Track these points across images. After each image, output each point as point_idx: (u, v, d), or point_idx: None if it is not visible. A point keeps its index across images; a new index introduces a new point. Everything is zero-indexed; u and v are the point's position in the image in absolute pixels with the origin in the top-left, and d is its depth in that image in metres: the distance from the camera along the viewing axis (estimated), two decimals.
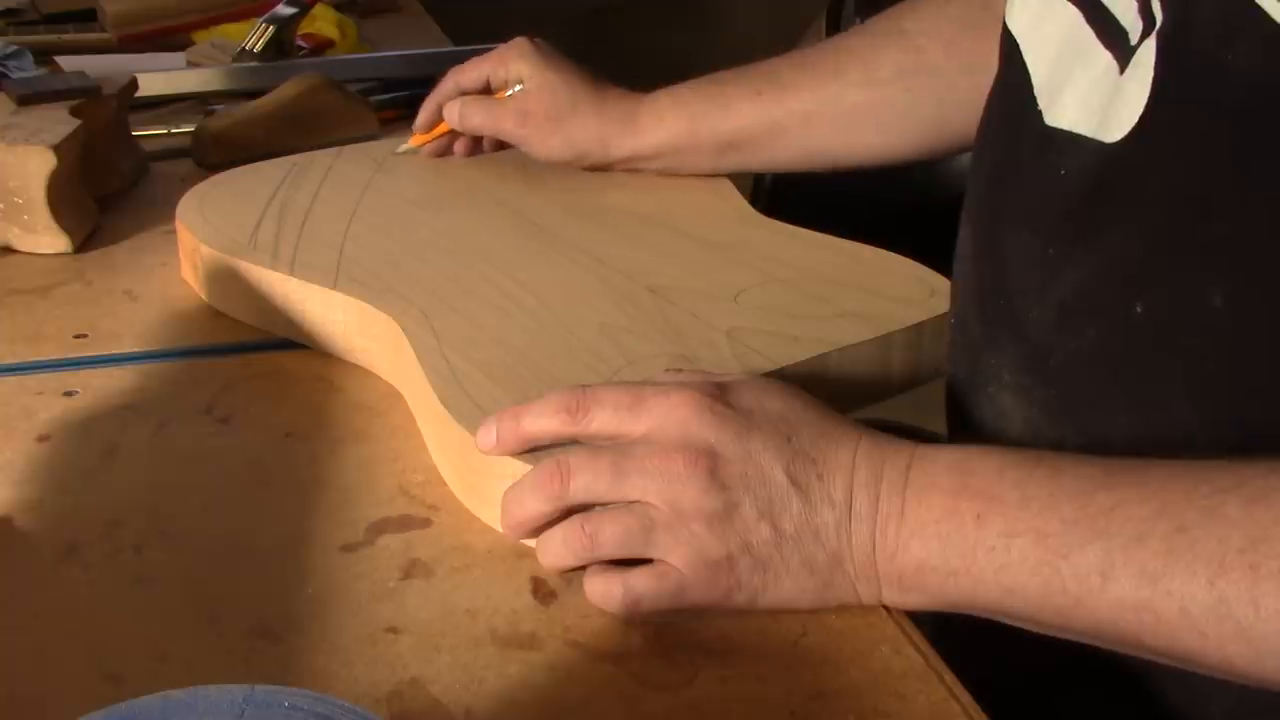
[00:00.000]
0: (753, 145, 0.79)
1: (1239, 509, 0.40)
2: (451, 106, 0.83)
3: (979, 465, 0.46)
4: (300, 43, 1.21)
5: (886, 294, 0.66)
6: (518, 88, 0.81)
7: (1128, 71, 0.49)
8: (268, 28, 1.16)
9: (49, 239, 0.78)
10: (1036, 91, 0.54)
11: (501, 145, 0.86)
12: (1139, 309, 0.48)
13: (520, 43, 0.82)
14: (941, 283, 0.67)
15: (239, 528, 0.53)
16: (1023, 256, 0.54)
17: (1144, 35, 0.48)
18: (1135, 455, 0.49)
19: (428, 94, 1.12)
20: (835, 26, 2.22)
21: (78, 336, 0.69)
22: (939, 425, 0.71)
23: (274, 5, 1.19)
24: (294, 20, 1.18)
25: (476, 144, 0.86)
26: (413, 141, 0.86)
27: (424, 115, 0.85)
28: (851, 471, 0.47)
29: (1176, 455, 0.48)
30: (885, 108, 0.76)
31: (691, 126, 0.79)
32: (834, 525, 0.47)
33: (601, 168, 0.82)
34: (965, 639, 0.50)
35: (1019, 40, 0.56)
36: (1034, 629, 0.45)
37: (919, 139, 0.77)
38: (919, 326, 0.63)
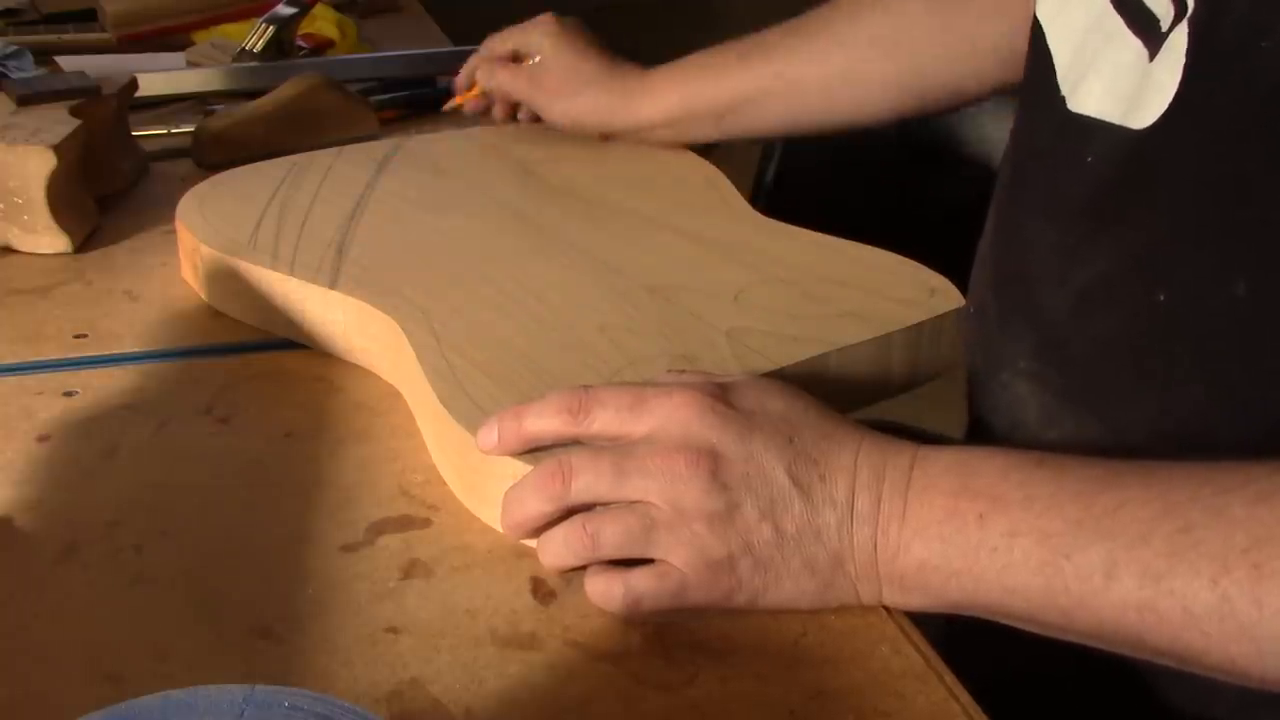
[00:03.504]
0: (744, 111, 0.84)
1: (1243, 509, 0.40)
2: (483, 65, 0.93)
3: (981, 466, 0.46)
4: (300, 43, 1.21)
5: (886, 294, 0.66)
6: (536, 59, 0.90)
7: (1158, 58, 0.49)
8: (268, 28, 1.16)
9: (49, 239, 0.78)
10: (1059, 77, 0.54)
11: (534, 119, 0.94)
12: (1162, 296, 0.49)
13: (545, 19, 0.90)
14: (941, 283, 0.67)
15: (239, 528, 0.53)
16: (1042, 243, 0.55)
17: (1175, 22, 0.48)
18: (1150, 442, 0.49)
19: (427, 94, 1.13)
20: None
21: (78, 336, 0.69)
22: (939, 425, 0.71)
23: (274, 5, 1.19)
24: (294, 20, 1.18)
25: (511, 112, 0.95)
26: (456, 100, 0.98)
27: (463, 75, 0.96)
28: (853, 472, 0.47)
29: (1191, 443, 0.48)
30: (862, 69, 0.80)
31: (686, 98, 0.84)
32: (835, 526, 0.47)
33: (612, 136, 0.89)
34: (969, 639, 0.50)
35: (1044, 25, 0.56)
36: (1035, 630, 0.45)
37: (899, 98, 0.80)
38: (919, 326, 0.63)
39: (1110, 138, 0.51)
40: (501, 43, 0.93)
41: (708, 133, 0.86)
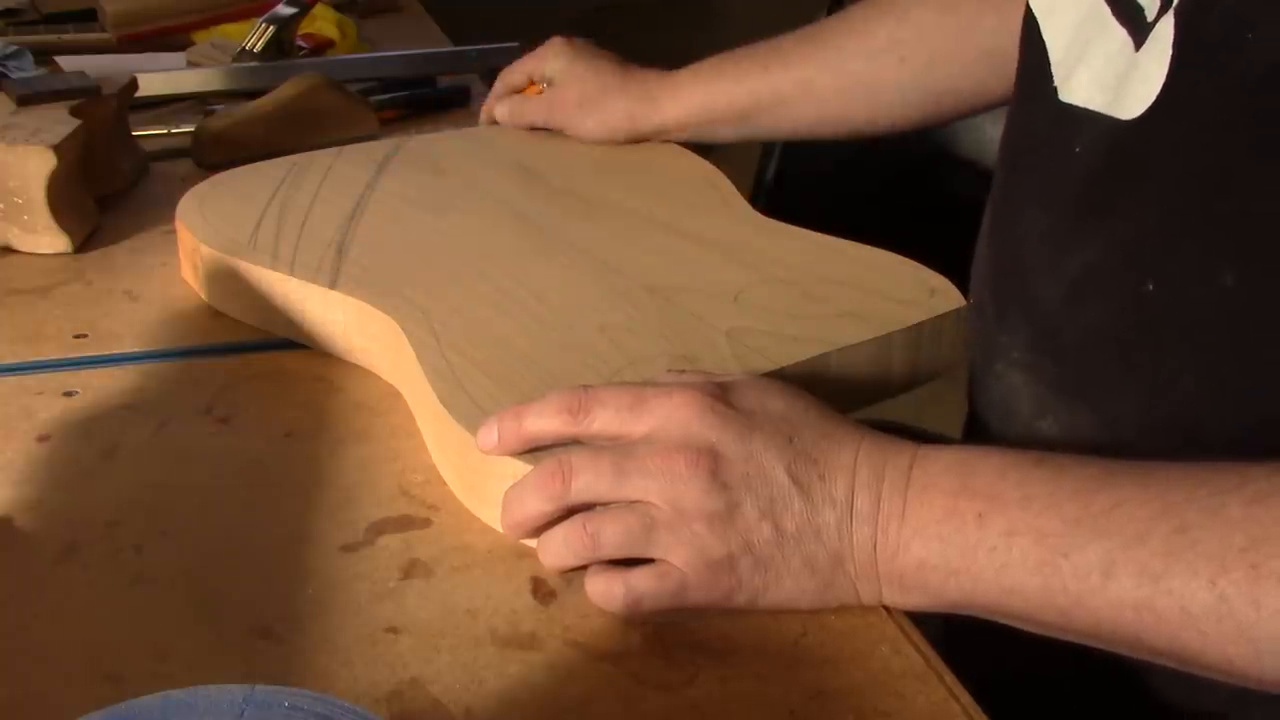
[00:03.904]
0: (764, 114, 0.85)
1: (1240, 509, 0.40)
2: (501, 106, 0.93)
3: (980, 465, 0.46)
4: (300, 43, 1.21)
5: (886, 294, 0.66)
6: (545, 85, 0.92)
7: (1144, 48, 0.49)
8: (268, 28, 1.16)
9: (49, 239, 0.78)
10: (1054, 68, 0.54)
11: None
12: (1150, 287, 0.49)
13: (554, 42, 0.92)
14: (941, 283, 0.67)
15: (239, 528, 0.53)
16: (1035, 234, 0.55)
17: (1161, 12, 0.48)
18: (1141, 433, 0.49)
19: (427, 94, 1.13)
20: None
21: (78, 336, 0.69)
22: (939, 425, 0.71)
23: (274, 5, 1.19)
24: (294, 20, 1.18)
25: None
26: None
27: (484, 117, 0.96)
28: (853, 471, 0.47)
29: (1181, 434, 0.48)
30: (879, 76, 0.81)
31: (707, 100, 0.86)
32: (835, 525, 0.47)
33: (637, 140, 0.89)
34: (968, 639, 0.50)
35: (1039, 19, 0.56)
36: (1034, 629, 0.45)
37: (917, 105, 0.81)
38: (919, 326, 0.63)
39: (1097, 127, 0.51)
40: (515, 74, 0.94)
41: (726, 134, 0.88)
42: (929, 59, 0.79)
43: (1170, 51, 0.47)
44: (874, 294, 0.66)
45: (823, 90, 0.83)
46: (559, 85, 0.90)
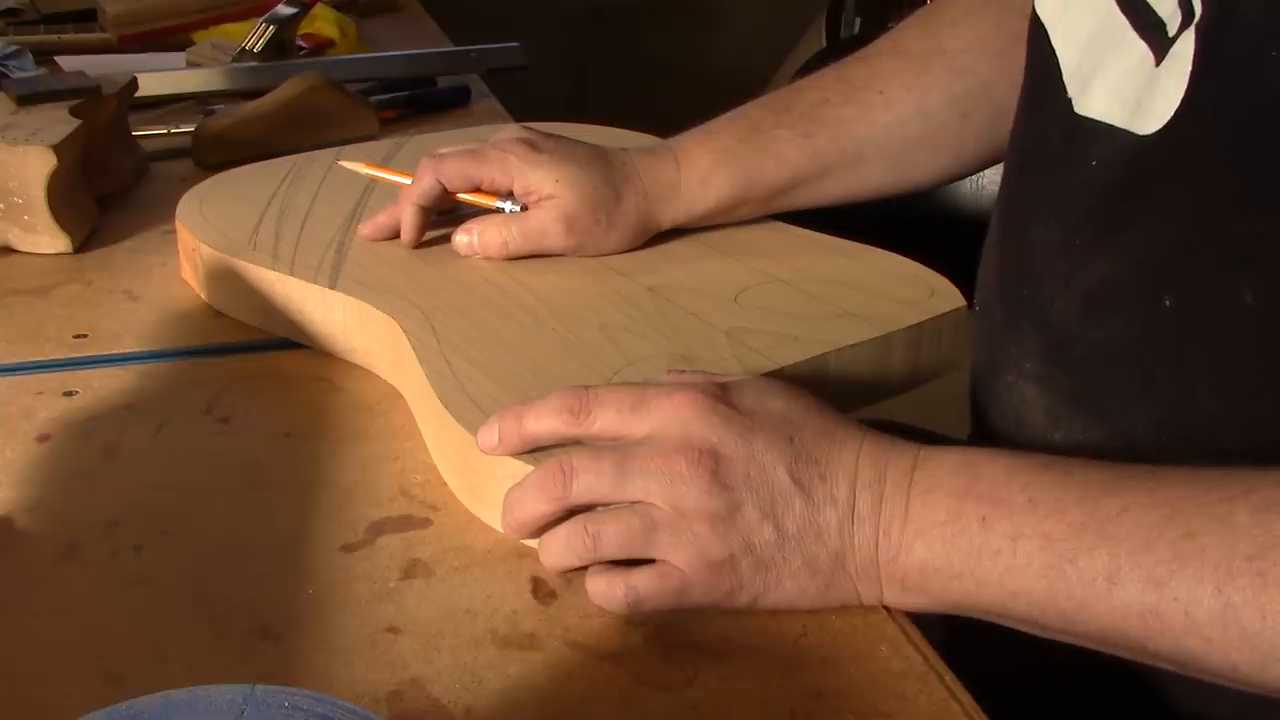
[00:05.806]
0: (802, 189, 0.73)
1: (1248, 516, 0.40)
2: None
3: (985, 468, 0.46)
4: (300, 43, 1.21)
5: (886, 294, 0.66)
6: (511, 206, 0.71)
7: (1164, 64, 0.49)
8: (268, 28, 1.16)
9: (49, 239, 0.78)
10: (1066, 79, 0.54)
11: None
12: (1168, 302, 0.49)
13: (515, 146, 0.70)
14: (942, 283, 0.67)
15: (239, 528, 0.53)
16: (1048, 245, 0.55)
17: (1182, 27, 0.48)
18: (1157, 447, 0.49)
19: (427, 94, 1.13)
20: (835, 26, 2.22)
21: (78, 336, 0.69)
22: (940, 425, 0.71)
23: (274, 5, 1.19)
24: (294, 20, 1.18)
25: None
26: (365, 232, 0.72)
27: (407, 218, 0.71)
28: (854, 472, 0.47)
29: (1198, 448, 0.47)
30: (939, 135, 0.72)
31: (739, 183, 0.72)
32: (836, 525, 0.47)
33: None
34: (969, 639, 0.50)
35: (1047, 26, 0.56)
36: (1037, 633, 0.45)
37: (974, 157, 0.73)
38: (919, 326, 0.63)
39: (1114, 142, 0.51)
40: (456, 178, 0.71)
41: (754, 214, 0.74)
42: (992, 112, 0.69)
43: (1190, 67, 0.47)
44: (874, 294, 0.66)
45: (875, 158, 0.72)
46: (563, 198, 0.69)
